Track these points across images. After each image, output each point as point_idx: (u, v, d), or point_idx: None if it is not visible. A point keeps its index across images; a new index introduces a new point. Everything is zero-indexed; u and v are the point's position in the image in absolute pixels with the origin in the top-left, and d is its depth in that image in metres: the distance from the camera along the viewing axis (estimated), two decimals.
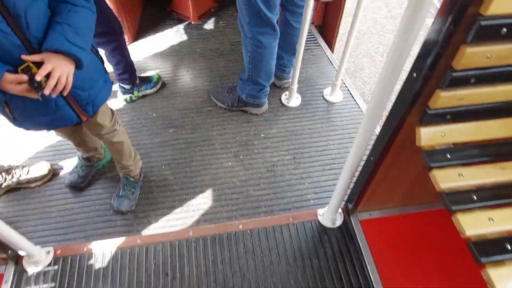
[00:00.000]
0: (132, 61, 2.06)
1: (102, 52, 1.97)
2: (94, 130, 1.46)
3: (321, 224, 1.54)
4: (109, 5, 2.20)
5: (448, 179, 0.94)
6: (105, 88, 1.32)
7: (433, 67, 0.89)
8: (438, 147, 1.02)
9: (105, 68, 1.33)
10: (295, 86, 2.10)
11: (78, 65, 1.07)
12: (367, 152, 1.29)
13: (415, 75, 0.94)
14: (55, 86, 1.02)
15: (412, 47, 0.90)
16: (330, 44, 2.56)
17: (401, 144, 1.16)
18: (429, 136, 1.01)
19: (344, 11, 2.41)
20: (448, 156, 0.99)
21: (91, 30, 1.12)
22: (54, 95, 1.04)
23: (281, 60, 2.11)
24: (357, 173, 1.34)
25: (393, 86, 0.99)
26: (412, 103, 1.00)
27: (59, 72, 1.01)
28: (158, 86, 2.23)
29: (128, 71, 2.04)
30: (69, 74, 1.05)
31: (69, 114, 1.23)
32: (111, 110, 1.49)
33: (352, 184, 1.41)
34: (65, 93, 1.06)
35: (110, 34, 1.84)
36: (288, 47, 2.05)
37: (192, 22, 2.70)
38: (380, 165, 1.26)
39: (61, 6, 1.05)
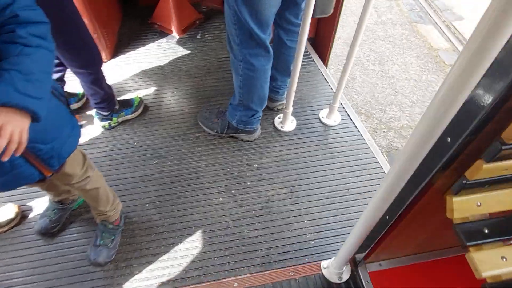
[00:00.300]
0: (111, 89, 1.84)
1: (75, 79, 1.75)
2: (62, 180, 1.24)
3: (326, 278, 1.36)
4: (85, 24, 1.98)
5: (490, 264, 0.77)
6: (73, 135, 1.11)
7: (475, 134, 0.71)
8: (472, 218, 0.85)
9: (71, 111, 1.11)
10: (290, 110, 1.91)
11: (34, 117, 0.86)
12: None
13: (449, 140, 0.76)
14: (6, 146, 0.81)
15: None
16: (324, 58, 2.38)
17: (422, 206, 0.98)
18: (462, 206, 0.83)
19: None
20: (486, 231, 0.82)
21: (48, 74, 0.90)
22: (5, 159, 0.83)
23: (274, 82, 1.92)
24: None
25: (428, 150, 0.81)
26: (443, 169, 0.82)
27: (9, 129, 0.80)
28: (140, 110, 2.01)
29: (106, 100, 1.82)
30: (23, 131, 0.83)
31: (28, 172, 1.01)
32: (83, 154, 1.27)
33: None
34: (18, 154, 0.85)
35: (90, 66, 1.64)
36: (282, 67, 1.86)
37: (176, 36, 2.47)
38: (397, 224, 1.08)
39: (8, 48, 0.83)
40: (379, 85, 3.39)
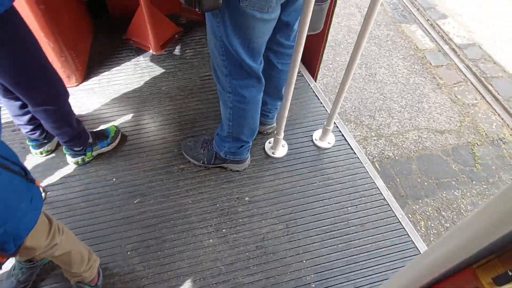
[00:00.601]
0: (80, 124, 1.62)
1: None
2: (25, 254, 1.04)
3: None
4: (49, 46, 1.75)
5: None
6: (32, 209, 0.91)
7: None
8: None
9: (28, 176, 0.91)
10: (281, 136, 1.74)
11: None
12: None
13: None
14: None
15: None
16: (313, 72, 2.21)
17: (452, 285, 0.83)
18: None
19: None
20: None
21: None
22: None
23: (264, 106, 1.74)
24: None
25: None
26: (483, 256, 0.67)
27: None
28: (117, 141, 1.80)
29: (76, 137, 1.60)
30: None
31: None
32: (48, 219, 1.07)
33: None
34: None
35: (52, 102, 1.41)
36: (273, 91, 1.68)
37: (154, 53, 2.25)
38: None
39: None
40: (367, 90, 3.25)
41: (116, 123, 1.88)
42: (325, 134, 1.84)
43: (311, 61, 2.19)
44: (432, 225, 2.43)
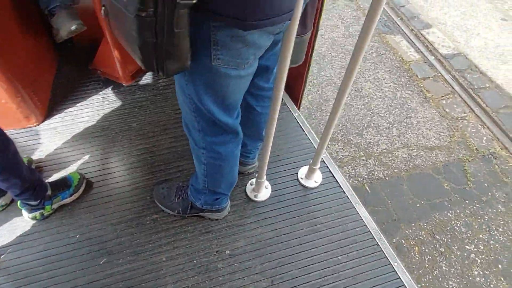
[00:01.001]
0: (35, 173, 1.41)
1: None
2: None
3: None
4: (1, 87, 1.53)
5: None
6: None
7: None
8: None
9: None
10: (264, 179, 1.56)
11: None
12: None
13: None
14: None
15: None
16: (296, 100, 2.03)
17: None
18: None
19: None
20: None
21: None
22: None
23: (244, 147, 1.55)
24: None
25: None
26: None
27: None
28: (81, 190, 1.59)
29: (30, 189, 1.39)
30: None
31: None
32: None
33: None
34: None
35: None
36: (252, 133, 1.49)
37: (124, 84, 2.04)
38: None
39: None
40: (354, 105, 3.10)
41: (80, 168, 1.67)
42: (312, 172, 1.66)
43: (294, 88, 2.01)
44: (427, 250, 2.29)
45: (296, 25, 0.92)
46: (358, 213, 1.61)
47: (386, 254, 1.48)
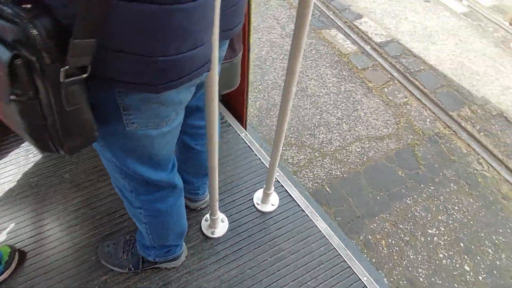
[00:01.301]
0: None
1: None
2: None
3: None
4: None
5: None
6: None
7: None
8: None
9: None
10: (217, 215, 1.44)
11: None
12: None
13: None
14: None
15: None
16: (241, 119, 1.92)
17: None
18: None
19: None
20: None
21: None
22: None
23: (191, 185, 1.42)
24: None
25: None
26: None
27: None
28: (13, 265, 1.37)
29: None
30: None
31: None
32: None
33: None
34: None
35: None
36: (195, 171, 1.36)
37: None
38: None
39: None
40: (302, 106, 3.06)
41: (9, 240, 1.45)
42: (267, 195, 1.57)
43: (236, 107, 1.90)
44: (393, 242, 2.30)
45: (217, 76, 0.81)
46: (320, 230, 1.54)
47: (355, 270, 1.43)
